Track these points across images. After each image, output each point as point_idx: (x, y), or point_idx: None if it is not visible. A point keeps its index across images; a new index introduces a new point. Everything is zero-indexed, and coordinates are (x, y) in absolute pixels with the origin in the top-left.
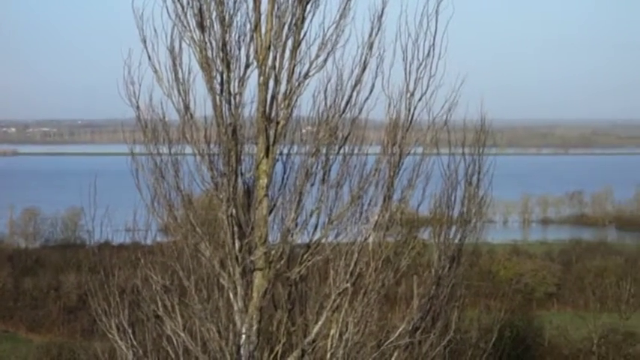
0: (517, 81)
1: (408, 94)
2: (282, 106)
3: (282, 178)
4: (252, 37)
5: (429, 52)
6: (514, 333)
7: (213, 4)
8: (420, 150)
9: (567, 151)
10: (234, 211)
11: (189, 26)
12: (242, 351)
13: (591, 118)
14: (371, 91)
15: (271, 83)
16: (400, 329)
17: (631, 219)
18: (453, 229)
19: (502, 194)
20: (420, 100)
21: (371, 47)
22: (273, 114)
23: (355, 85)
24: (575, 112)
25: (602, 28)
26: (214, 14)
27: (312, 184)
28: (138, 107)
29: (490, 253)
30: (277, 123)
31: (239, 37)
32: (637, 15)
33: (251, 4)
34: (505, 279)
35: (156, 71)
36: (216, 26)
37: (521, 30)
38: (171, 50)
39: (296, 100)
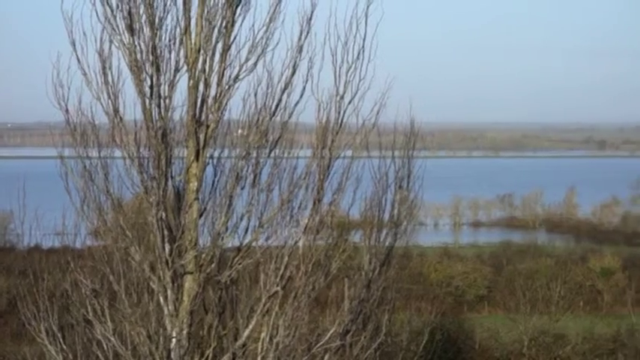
0: (447, 84)
1: (338, 97)
2: (212, 109)
3: (213, 182)
4: (182, 41)
5: (358, 55)
6: (445, 336)
7: (142, 7)
8: (349, 153)
9: (498, 154)
10: (164, 214)
11: (118, 29)
12: (172, 355)
13: (522, 121)
14: (301, 94)
15: (201, 86)
16: (331, 332)
17: (561, 221)
18: (384, 232)
19: (433, 197)
20: (349, 103)
21: (300, 50)
22: (203, 117)
23: (285, 88)
24: (505, 115)
25: (531, 30)
26: (144, 17)
27: (243, 188)
28: (67, 110)
29: (421, 255)
30: (207, 126)
31: (169, 40)
32: (562, 17)
33: (181, 8)
34: (436, 282)
35: (85, 74)
36: (146, 29)
37: (451, 32)
38: (101, 53)
39: (226, 104)
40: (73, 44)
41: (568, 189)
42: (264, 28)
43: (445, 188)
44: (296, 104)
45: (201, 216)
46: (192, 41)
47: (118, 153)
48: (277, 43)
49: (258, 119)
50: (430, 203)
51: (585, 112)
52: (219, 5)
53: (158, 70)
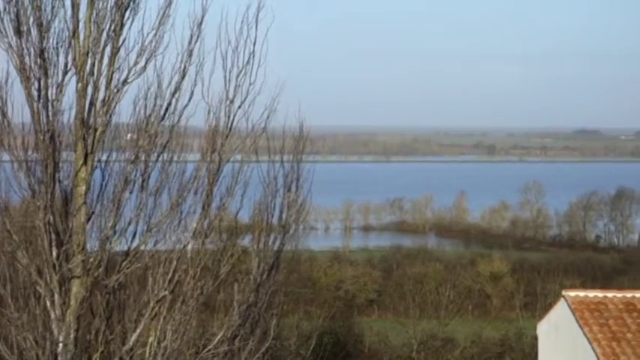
0: (338, 88)
1: (228, 102)
2: (101, 112)
3: (101, 186)
4: (70, 44)
5: (248, 59)
6: (334, 339)
7: (30, 9)
8: (239, 157)
9: (389, 158)
10: (51, 218)
11: (5, 32)
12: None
13: (413, 125)
14: (190, 98)
15: (90, 90)
16: (219, 337)
17: (450, 225)
18: (273, 236)
19: (324, 201)
20: (239, 107)
21: (191, 54)
22: (91, 121)
23: (175, 92)
24: (396, 120)
25: (424, 35)
26: (32, 20)
27: (131, 192)
28: None
29: (311, 259)
30: (96, 130)
31: (57, 43)
32: (459, 23)
33: (69, 11)
34: (326, 286)
35: None
36: (34, 32)
37: (339, 37)
38: None
39: (115, 107)
40: None
41: (458, 193)
42: (154, 31)
43: (336, 192)
44: (185, 107)
45: (89, 220)
46: (81, 44)
47: (5, 156)
48: (167, 47)
49: (147, 123)
50: (321, 207)
51: (475, 118)
52: (108, 8)
53: (46, 73)
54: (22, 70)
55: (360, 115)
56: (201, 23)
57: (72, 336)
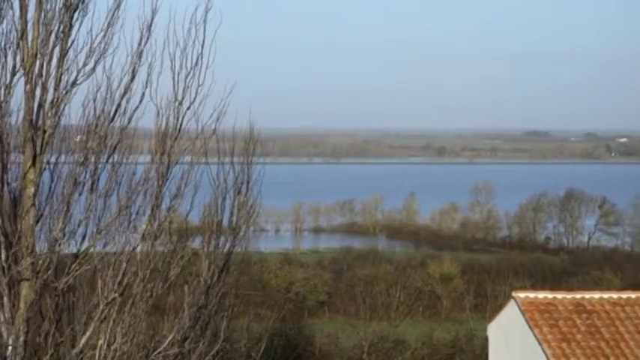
0: (288, 90)
1: (177, 103)
2: (50, 114)
3: (50, 187)
4: (18, 45)
5: (197, 60)
6: (285, 341)
7: None
8: (189, 159)
9: (339, 160)
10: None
11: None
12: None
13: (363, 127)
14: (140, 99)
15: (38, 91)
16: (169, 339)
17: (401, 227)
18: (223, 238)
19: (274, 203)
20: (188, 108)
21: (140, 56)
22: (40, 122)
23: (124, 93)
24: (346, 122)
25: (374, 37)
26: None
27: (81, 194)
28: None
29: (262, 261)
30: (44, 131)
31: (5, 44)
32: (407, 24)
33: (17, 12)
34: (276, 287)
35: None
36: None
37: (292, 38)
38: None
39: (64, 109)
40: None
41: (408, 195)
42: (103, 33)
43: (286, 194)
44: (135, 109)
45: (38, 222)
46: (29, 45)
47: None
48: (116, 48)
49: (96, 125)
50: (271, 209)
51: (425, 119)
52: (57, 10)
53: None
54: None
55: (310, 117)
56: (150, 25)
57: (21, 339)
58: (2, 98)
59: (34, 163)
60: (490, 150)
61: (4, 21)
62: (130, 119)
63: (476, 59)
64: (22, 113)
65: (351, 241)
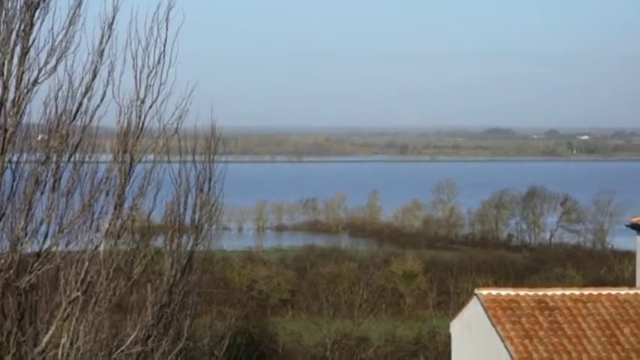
0: (250, 88)
1: (139, 102)
2: (11, 113)
3: (12, 187)
4: None
5: (159, 59)
6: (248, 339)
7: None
8: (151, 157)
9: (301, 158)
10: None
11: None
12: None
13: (325, 125)
14: (102, 98)
15: None
16: (132, 337)
17: (364, 225)
18: (185, 236)
19: (237, 201)
20: (150, 107)
21: (102, 54)
22: (1, 121)
23: (86, 92)
24: (308, 120)
25: (338, 36)
26: None
27: (43, 193)
28: None
29: (224, 260)
30: (6, 130)
31: None
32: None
33: None
34: (239, 286)
35: None
36: None
37: (250, 37)
38: None
39: (25, 108)
40: None
41: (371, 193)
42: (64, 31)
43: (249, 192)
44: (97, 108)
45: (0, 221)
46: None
47: None
48: (77, 47)
49: (58, 123)
50: (234, 207)
51: (388, 117)
52: (18, 8)
53: None
54: None
55: (272, 116)
56: (112, 23)
57: None
58: None
59: None
60: (452, 148)
61: None
62: (91, 118)
63: (438, 58)
64: None
65: (314, 240)
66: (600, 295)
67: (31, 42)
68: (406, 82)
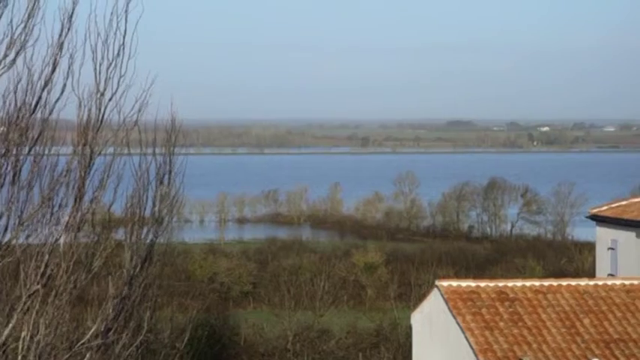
0: (211, 80)
1: (99, 94)
2: None
3: None
4: None
5: (118, 51)
6: (209, 332)
7: None
8: (111, 150)
9: (263, 150)
10: None
11: None
12: None
13: (286, 117)
14: (62, 91)
15: None
16: (92, 330)
17: (325, 217)
18: (146, 228)
19: (198, 194)
20: (110, 100)
21: (61, 47)
22: None
23: (45, 85)
24: (270, 112)
25: (299, 28)
26: None
27: (2, 186)
28: None
29: (186, 252)
30: None
31: None
32: (333, 16)
33: None
34: (201, 278)
35: None
36: None
37: (212, 26)
38: None
39: None
40: None
41: (332, 185)
42: (23, 24)
43: (211, 185)
44: (57, 101)
45: None
46: None
47: None
48: (37, 40)
49: (17, 116)
50: (195, 200)
51: (349, 110)
52: None
53: None
54: None
55: (233, 108)
56: (71, 16)
57: None
58: None
59: None
60: (413, 140)
61: None
62: (51, 111)
63: (399, 50)
64: None
65: (276, 232)
66: (560, 286)
67: None
68: (367, 74)
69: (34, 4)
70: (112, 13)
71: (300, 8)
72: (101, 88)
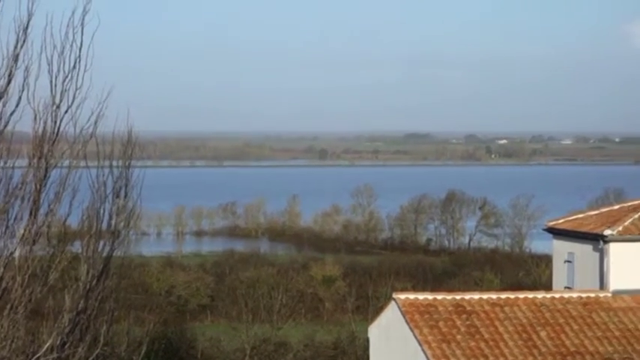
0: (166, 92)
1: (54, 107)
2: None
3: None
4: None
5: (74, 64)
6: (166, 345)
7: None
8: (67, 163)
9: (221, 163)
10: None
11: None
12: None
13: (244, 130)
14: (17, 103)
15: None
16: (48, 344)
17: (283, 230)
18: (102, 241)
19: (156, 206)
20: (66, 112)
21: (17, 59)
22: None
23: (1, 97)
24: (227, 125)
25: (255, 40)
26: None
27: None
28: None
29: (143, 265)
30: None
31: None
32: (296, 30)
33: None
34: (158, 291)
35: None
36: None
37: (169, 38)
38: None
39: None
40: None
41: (290, 198)
42: None
43: (168, 197)
44: (12, 113)
45: None
46: None
47: None
48: None
49: None
50: (153, 212)
51: (307, 122)
52: None
53: None
54: None
55: (190, 121)
56: (27, 28)
57: None
58: None
59: None
60: (371, 152)
61: None
62: (6, 123)
63: (356, 63)
64: None
65: (234, 244)
66: (517, 298)
67: None
68: (325, 87)
69: None
70: (68, 26)
71: (257, 19)
72: (57, 101)
